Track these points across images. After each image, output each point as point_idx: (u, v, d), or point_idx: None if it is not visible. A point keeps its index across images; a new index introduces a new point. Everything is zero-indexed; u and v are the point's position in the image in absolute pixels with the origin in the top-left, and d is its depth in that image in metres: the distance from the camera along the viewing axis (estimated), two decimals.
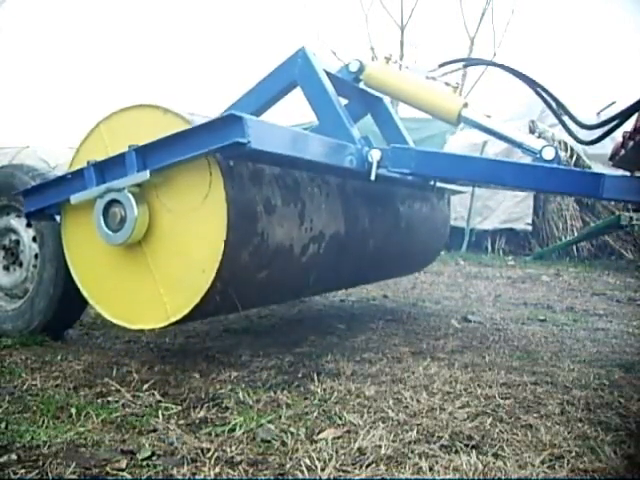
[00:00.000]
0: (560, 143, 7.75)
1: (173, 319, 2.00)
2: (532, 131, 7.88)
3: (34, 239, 2.57)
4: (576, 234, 7.56)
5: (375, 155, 2.36)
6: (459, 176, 2.68)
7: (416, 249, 3.53)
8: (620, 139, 2.41)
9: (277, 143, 1.94)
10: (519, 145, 2.53)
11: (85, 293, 2.22)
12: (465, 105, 2.62)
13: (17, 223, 2.63)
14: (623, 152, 2.34)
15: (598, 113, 8.30)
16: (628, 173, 2.61)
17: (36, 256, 2.56)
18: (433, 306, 3.83)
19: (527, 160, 2.50)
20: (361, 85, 2.93)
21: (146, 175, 1.93)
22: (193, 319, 2.10)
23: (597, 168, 7.73)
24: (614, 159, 2.56)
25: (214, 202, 1.91)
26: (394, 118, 3.19)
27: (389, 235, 3.02)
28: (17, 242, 2.63)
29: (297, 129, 2.23)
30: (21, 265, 2.61)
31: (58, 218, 2.30)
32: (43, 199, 2.25)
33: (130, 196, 1.97)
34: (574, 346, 2.78)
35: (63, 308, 2.47)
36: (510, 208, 7.85)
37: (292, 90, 2.72)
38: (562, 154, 7.85)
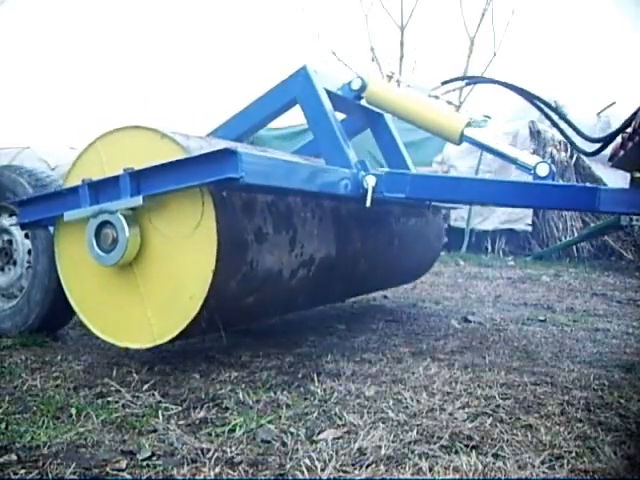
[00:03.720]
0: (560, 144, 7.76)
1: (159, 341, 2.03)
2: (532, 131, 7.89)
3: (26, 235, 2.59)
4: (576, 234, 7.56)
5: (370, 181, 2.37)
6: (454, 198, 2.72)
7: (408, 265, 3.57)
8: (619, 140, 2.41)
9: (271, 176, 1.95)
10: (514, 161, 2.55)
11: (75, 306, 2.24)
12: (468, 124, 2.64)
13: (9, 223, 2.65)
14: (622, 153, 2.34)
15: (598, 113, 8.32)
16: (627, 174, 2.61)
17: (29, 252, 2.58)
18: (433, 306, 3.83)
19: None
20: (363, 102, 2.94)
21: (139, 201, 1.95)
22: (179, 340, 2.10)
23: (597, 168, 7.75)
24: (613, 160, 2.56)
25: (205, 232, 1.93)
26: (393, 135, 3.21)
27: (381, 254, 3.04)
28: (10, 242, 2.65)
29: (292, 159, 2.25)
30: (15, 264, 2.63)
31: (52, 229, 2.32)
32: (38, 212, 2.27)
33: (122, 219, 1.98)
34: (574, 346, 2.78)
35: (59, 299, 2.46)
36: (510, 208, 7.85)
37: (292, 107, 2.73)
38: (562, 154, 7.86)
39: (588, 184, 3.04)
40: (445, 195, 2.59)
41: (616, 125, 2.37)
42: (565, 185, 3.15)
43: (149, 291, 2.05)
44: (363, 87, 2.85)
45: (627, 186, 2.62)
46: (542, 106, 2.72)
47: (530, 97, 2.71)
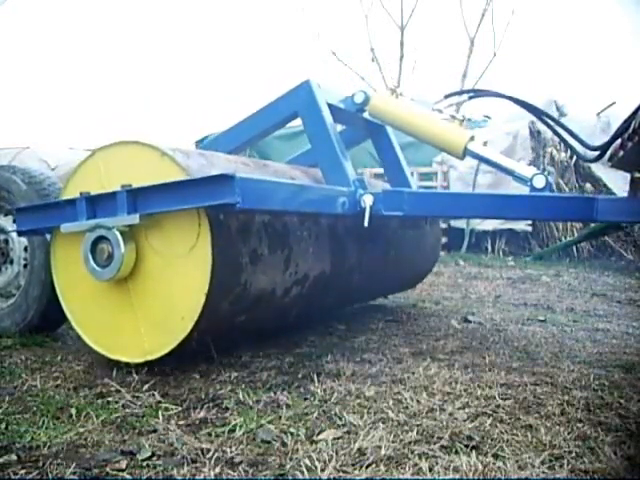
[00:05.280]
0: (560, 144, 7.76)
1: (149, 357, 2.04)
2: (532, 131, 7.89)
3: None
4: (576, 235, 7.56)
5: (368, 200, 2.37)
6: (453, 214, 2.74)
7: (403, 275, 3.59)
8: (619, 140, 2.41)
9: (269, 200, 1.95)
10: (511, 173, 2.57)
11: (69, 315, 2.26)
12: (472, 139, 2.65)
13: (4, 221, 2.67)
14: (622, 153, 2.34)
15: (598, 113, 8.31)
16: (627, 174, 2.61)
17: (25, 249, 2.59)
18: (433, 307, 3.83)
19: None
20: (365, 115, 2.94)
21: (135, 219, 1.95)
22: (170, 357, 2.10)
23: (597, 169, 7.75)
24: (613, 160, 2.56)
25: (200, 254, 1.94)
26: (394, 147, 3.23)
27: (376, 267, 3.06)
28: (6, 241, 2.67)
29: (290, 180, 2.25)
30: (12, 262, 2.65)
31: (48, 237, 2.34)
32: (35, 221, 2.28)
33: (119, 236, 1.99)
34: (574, 347, 2.77)
35: (57, 294, 2.47)
36: None
37: (293, 120, 2.74)
38: (562, 155, 7.86)
39: (586, 194, 3.06)
40: (443, 211, 2.64)
41: (616, 125, 2.37)
42: (562, 196, 3.16)
43: (142, 307, 2.07)
44: (366, 101, 2.86)
45: (627, 186, 2.62)
46: (546, 119, 2.75)
47: (533, 109, 2.74)
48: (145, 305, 2.06)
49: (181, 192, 1.87)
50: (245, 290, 2.09)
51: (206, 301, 1.93)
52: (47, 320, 2.55)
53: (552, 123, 2.76)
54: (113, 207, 1.99)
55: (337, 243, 2.64)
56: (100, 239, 2.03)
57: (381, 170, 4.83)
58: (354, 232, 2.74)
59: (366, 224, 2.35)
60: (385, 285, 3.48)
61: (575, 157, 7.84)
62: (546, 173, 2.46)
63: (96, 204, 2.06)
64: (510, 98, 2.75)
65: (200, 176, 1.90)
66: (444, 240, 7.59)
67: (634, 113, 2.06)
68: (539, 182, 2.39)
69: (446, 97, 2.81)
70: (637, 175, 2.54)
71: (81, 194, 2.08)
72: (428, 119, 2.75)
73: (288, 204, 2.05)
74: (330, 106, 2.66)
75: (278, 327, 2.64)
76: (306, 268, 2.41)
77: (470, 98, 2.93)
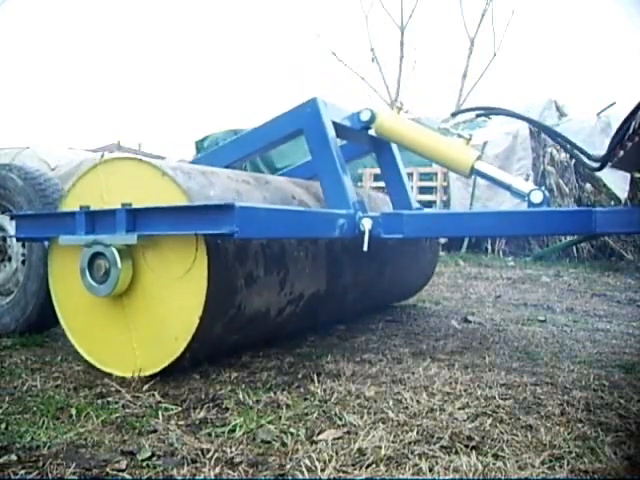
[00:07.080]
0: (560, 146, 7.77)
1: (141, 374, 2.04)
2: (532, 131, 7.89)
3: None
4: (576, 235, 7.56)
5: (367, 224, 2.36)
6: (452, 234, 2.73)
7: (398, 291, 3.61)
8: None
9: (267, 228, 1.93)
10: (507, 187, 2.58)
11: (63, 324, 2.27)
12: (479, 158, 2.66)
13: (1, 219, 2.68)
14: (622, 153, 2.34)
15: (598, 114, 8.32)
16: (627, 174, 2.62)
17: (23, 245, 2.60)
18: (433, 307, 3.83)
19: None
20: (371, 132, 2.94)
21: (133, 239, 1.95)
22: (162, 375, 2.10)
23: None
24: (613, 160, 2.56)
25: (195, 278, 1.94)
26: (397, 163, 3.22)
27: (372, 284, 3.06)
28: (4, 239, 2.68)
29: (290, 209, 2.22)
30: (10, 259, 2.67)
31: (46, 244, 2.35)
32: (34, 229, 2.27)
33: (116, 254, 1.99)
34: (574, 347, 2.78)
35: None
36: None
37: (298, 136, 2.73)
38: (562, 155, 7.87)
39: (583, 207, 3.08)
40: (442, 232, 2.64)
41: (616, 125, 2.38)
42: (559, 210, 3.16)
43: (136, 324, 2.07)
44: (372, 119, 2.86)
45: (627, 186, 2.64)
46: (554, 135, 2.78)
47: (542, 127, 2.76)
48: (139, 322, 2.07)
49: (180, 217, 1.87)
50: (239, 312, 2.10)
51: (200, 323, 1.93)
52: (46, 314, 2.54)
53: (560, 140, 2.77)
54: (112, 224, 1.99)
55: (333, 262, 2.64)
56: (97, 255, 2.03)
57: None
58: (351, 250, 2.73)
59: (365, 249, 2.33)
60: (380, 300, 3.50)
61: (575, 160, 7.84)
62: (543, 188, 2.47)
63: (95, 220, 2.06)
64: (520, 117, 2.77)
65: (201, 197, 1.92)
66: (444, 240, 7.59)
67: (633, 113, 2.06)
68: (537, 197, 2.41)
69: (453, 115, 2.84)
70: (637, 175, 2.55)
71: (81, 207, 2.08)
72: (435, 138, 2.76)
73: (286, 232, 2.06)
74: (335, 124, 2.65)
75: (270, 342, 2.65)
76: (301, 288, 2.42)
77: (477, 116, 2.92)
